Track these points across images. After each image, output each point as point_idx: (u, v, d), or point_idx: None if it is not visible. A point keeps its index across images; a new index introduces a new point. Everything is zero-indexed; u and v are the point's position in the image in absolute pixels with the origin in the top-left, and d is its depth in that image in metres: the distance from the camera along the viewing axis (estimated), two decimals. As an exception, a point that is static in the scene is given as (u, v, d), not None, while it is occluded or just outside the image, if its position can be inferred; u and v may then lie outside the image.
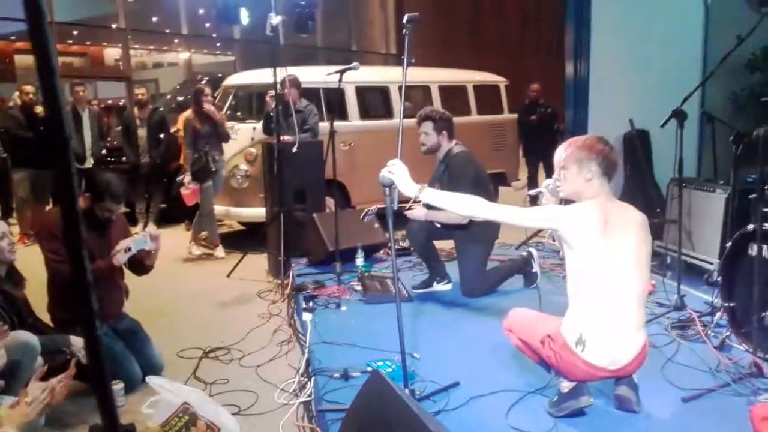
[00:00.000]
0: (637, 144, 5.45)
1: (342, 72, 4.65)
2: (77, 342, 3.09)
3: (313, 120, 6.00)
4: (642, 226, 2.61)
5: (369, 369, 3.03)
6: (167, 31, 20.67)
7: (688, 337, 3.46)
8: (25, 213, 7.06)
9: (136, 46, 19.95)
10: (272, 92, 5.66)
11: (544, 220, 2.68)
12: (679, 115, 3.75)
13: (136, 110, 7.49)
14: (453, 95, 8.24)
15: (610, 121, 5.33)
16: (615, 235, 2.50)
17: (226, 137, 6.14)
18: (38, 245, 3.34)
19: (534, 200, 3.01)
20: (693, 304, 3.88)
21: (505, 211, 2.69)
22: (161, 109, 7.87)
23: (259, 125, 6.48)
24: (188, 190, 6.04)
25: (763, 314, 2.94)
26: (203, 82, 7.82)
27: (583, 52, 5.58)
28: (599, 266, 2.49)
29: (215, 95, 6.71)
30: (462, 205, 2.74)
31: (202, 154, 6.00)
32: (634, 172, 5.54)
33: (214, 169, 6.05)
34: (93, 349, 0.68)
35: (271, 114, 5.67)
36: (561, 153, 2.69)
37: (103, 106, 10.38)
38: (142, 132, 7.27)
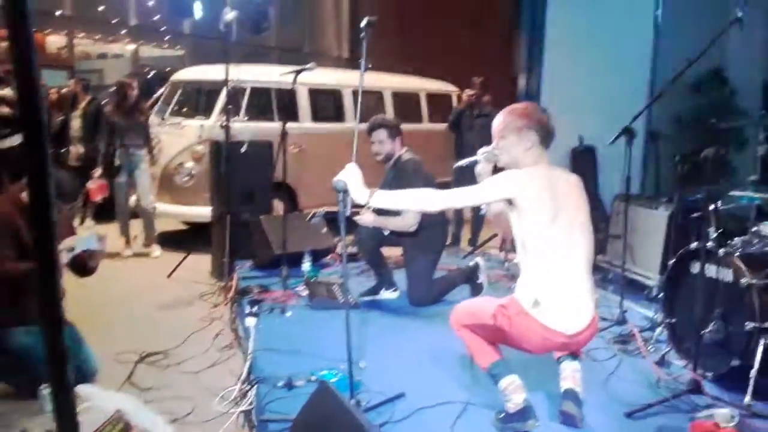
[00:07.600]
0: (585, 159, 5.55)
1: (297, 72, 4.56)
2: None
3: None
4: (582, 190, 2.66)
5: (313, 378, 2.97)
6: (114, 20, 20.07)
7: (629, 351, 3.52)
8: None
9: (81, 35, 19.25)
10: (470, 91, 6.25)
11: (497, 190, 2.61)
12: (629, 133, 3.84)
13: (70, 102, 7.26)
14: (405, 102, 8.24)
15: (560, 136, 5.34)
16: (562, 199, 2.54)
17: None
18: None
19: (460, 170, 3.00)
20: (634, 320, 3.95)
21: (457, 195, 2.68)
22: (104, 102, 7.61)
23: (208, 122, 6.32)
24: (94, 184, 5.79)
25: (703, 331, 3.00)
26: (150, 75, 7.57)
27: (535, 67, 5.66)
28: (551, 231, 2.50)
29: (160, 90, 6.55)
30: (412, 200, 2.73)
31: (109, 149, 5.91)
32: (580, 186, 5.63)
33: (118, 164, 5.91)
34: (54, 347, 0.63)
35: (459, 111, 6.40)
36: (499, 122, 2.68)
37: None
38: (76, 123, 7.02)
